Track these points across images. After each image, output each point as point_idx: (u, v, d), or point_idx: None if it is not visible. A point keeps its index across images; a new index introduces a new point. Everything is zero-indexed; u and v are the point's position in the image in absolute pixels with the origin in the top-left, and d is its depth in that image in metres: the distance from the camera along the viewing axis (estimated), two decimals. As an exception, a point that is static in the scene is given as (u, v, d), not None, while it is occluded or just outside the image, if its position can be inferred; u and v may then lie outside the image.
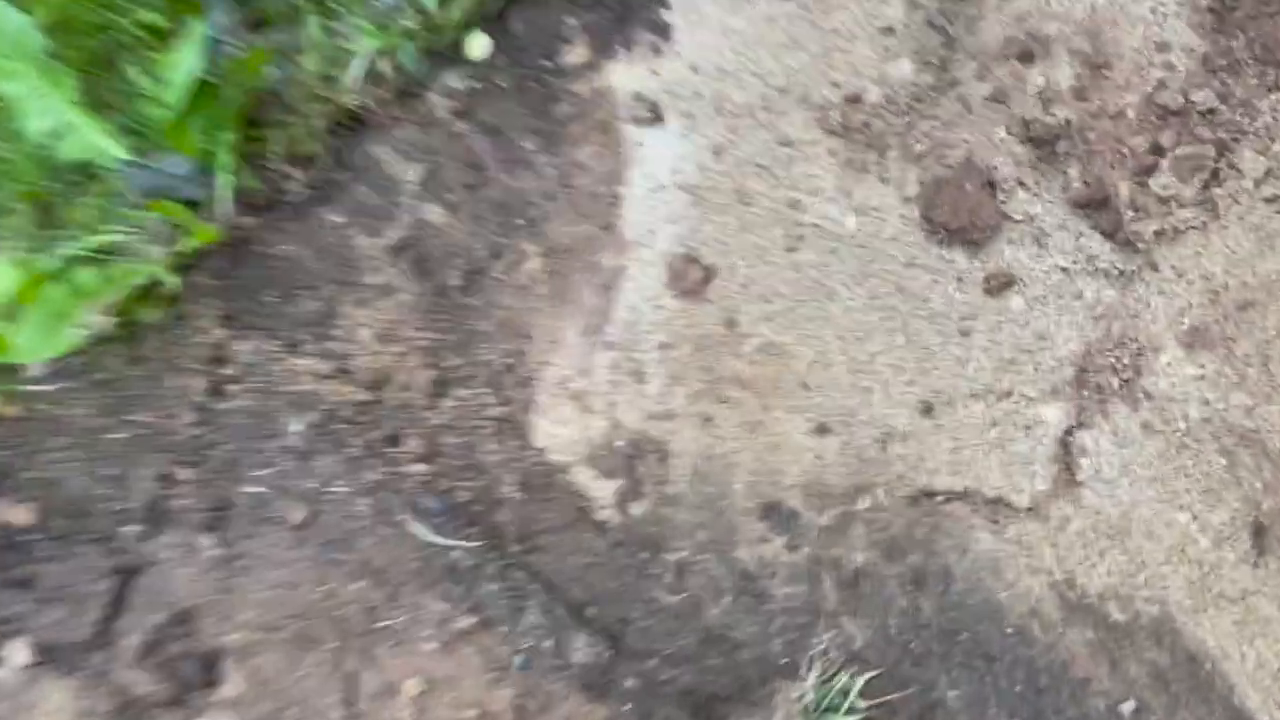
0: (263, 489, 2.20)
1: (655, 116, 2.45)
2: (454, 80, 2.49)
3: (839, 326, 2.31)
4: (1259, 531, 2.17)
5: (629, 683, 2.11)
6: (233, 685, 2.13)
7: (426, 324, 2.32)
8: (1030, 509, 2.20)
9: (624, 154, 2.44)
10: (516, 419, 2.27)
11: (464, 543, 2.17)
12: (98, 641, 2.14)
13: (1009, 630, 2.13)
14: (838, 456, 2.24)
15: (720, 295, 2.34)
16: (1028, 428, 2.25)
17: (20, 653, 2.12)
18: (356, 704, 2.11)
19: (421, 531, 2.18)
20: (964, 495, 2.21)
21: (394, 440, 2.24)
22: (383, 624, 2.14)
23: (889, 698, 2.08)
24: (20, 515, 2.21)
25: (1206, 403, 2.24)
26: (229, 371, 2.27)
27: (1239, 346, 2.26)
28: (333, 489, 2.20)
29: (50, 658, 2.13)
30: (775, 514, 2.20)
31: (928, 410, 2.26)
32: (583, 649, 2.11)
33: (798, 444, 2.24)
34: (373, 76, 2.45)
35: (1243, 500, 2.18)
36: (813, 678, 2.04)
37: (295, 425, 2.24)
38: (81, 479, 2.21)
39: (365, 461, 2.21)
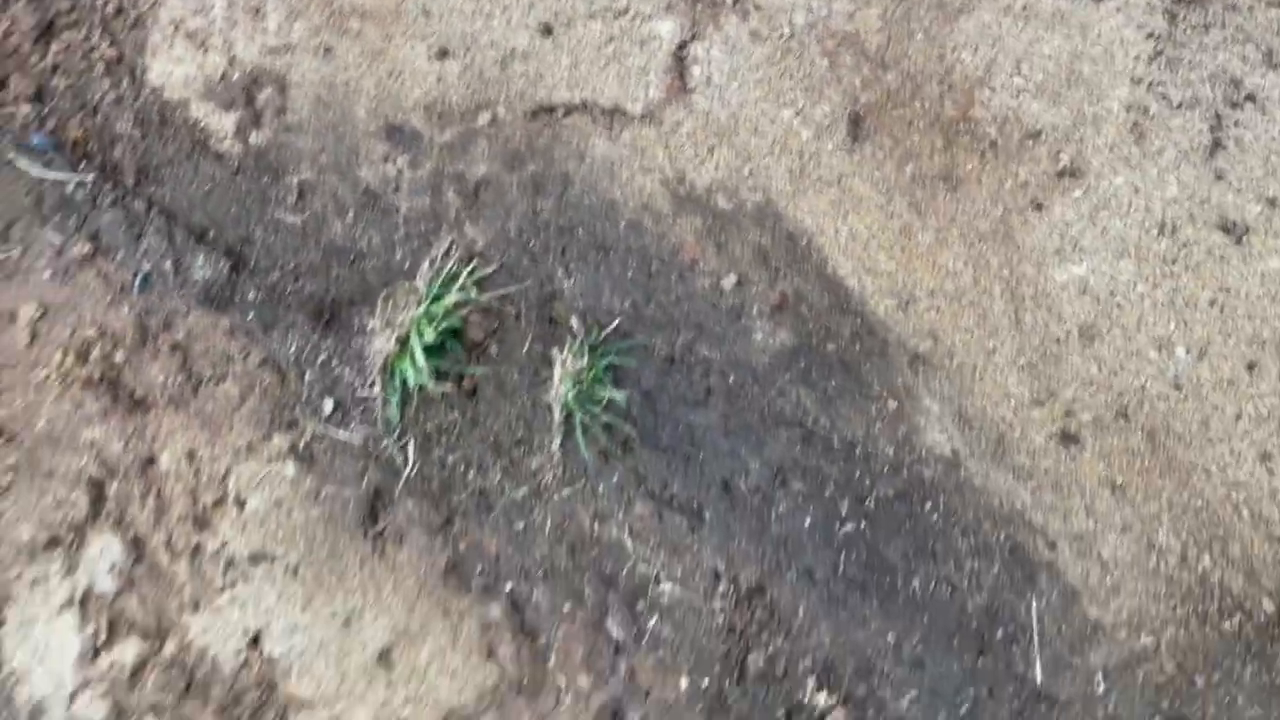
0: None
1: None
2: None
3: (460, -43, 2.32)
4: (856, 121, 2.31)
5: (252, 295, 2.15)
6: None
7: (28, -32, 2.25)
8: (644, 116, 2.29)
9: None
10: (130, 60, 2.24)
11: (77, 176, 2.15)
12: None
13: (623, 224, 2.23)
14: (459, 78, 2.28)
15: (340, -68, 2.32)
16: (643, 42, 2.32)
17: None
18: (-29, 335, 2.10)
19: (30, 168, 2.14)
20: (581, 107, 2.28)
21: (-1, 84, 2.19)
22: (-5, 259, 2.12)
23: (508, 290, 2.17)
24: None
25: (810, 9, 2.34)
26: None
27: (843, -43, 2.37)
28: (-66, 133, 2.15)
29: None
30: (398, 134, 2.24)
31: (547, 31, 2.31)
32: (203, 267, 2.14)
33: (419, 69, 2.27)
34: None
35: (842, 95, 2.31)
36: (425, 269, 2.11)
37: (-108, 76, 2.17)
38: None
39: (-32, 105, 2.16)
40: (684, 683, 2.03)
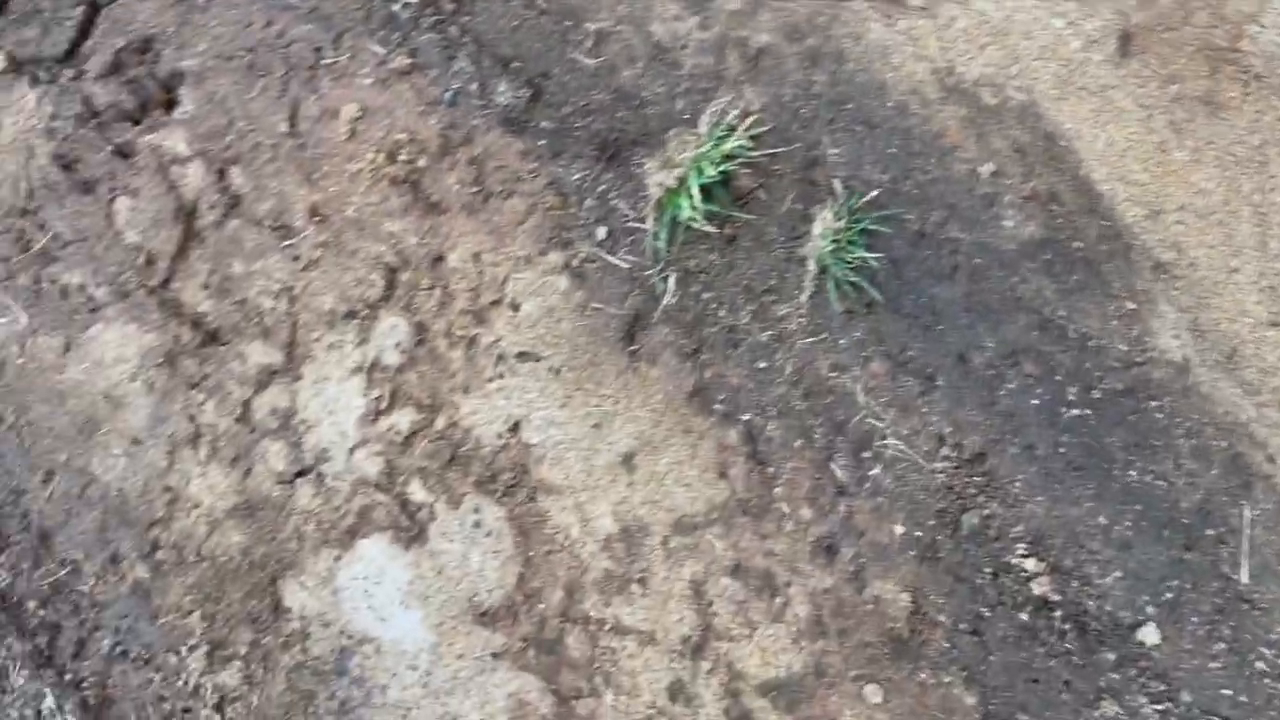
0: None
1: None
2: None
3: None
4: (1125, 39, 2.39)
5: (545, 124, 2.34)
6: (189, 105, 2.36)
7: None
8: (922, 7, 2.40)
9: None
10: (459, -99, 2.45)
11: (404, -1, 2.38)
12: (67, 59, 2.36)
13: (890, 105, 2.36)
14: (752, -48, 2.43)
15: None
16: (928, -61, 2.43)
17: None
18: (299, 124, 2.34)
19: (365, -16, 2.38)
20: (864, -8, 2.41)
21: (345, -87, 2.42)
22: (326, 61, 2.36)
23: (777, 150, 2.32)
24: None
25: (1094, -73, 2.42)
26: None
27: (1131, -118, 2.44)
28: (285, -55, 2.39)
29: (23, 69, 2.35)
30: (690, -4, 2.41)
31: (839, -81, 2.44)
32: (505, 92, 2.34)
33: (716, -60, 2.43)
34: None
35: (1115, 12, 2.39)
36: (706, 118, 2.27)
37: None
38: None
39: (314, -74, 2.40)
40: (898, 530, 2.16)
